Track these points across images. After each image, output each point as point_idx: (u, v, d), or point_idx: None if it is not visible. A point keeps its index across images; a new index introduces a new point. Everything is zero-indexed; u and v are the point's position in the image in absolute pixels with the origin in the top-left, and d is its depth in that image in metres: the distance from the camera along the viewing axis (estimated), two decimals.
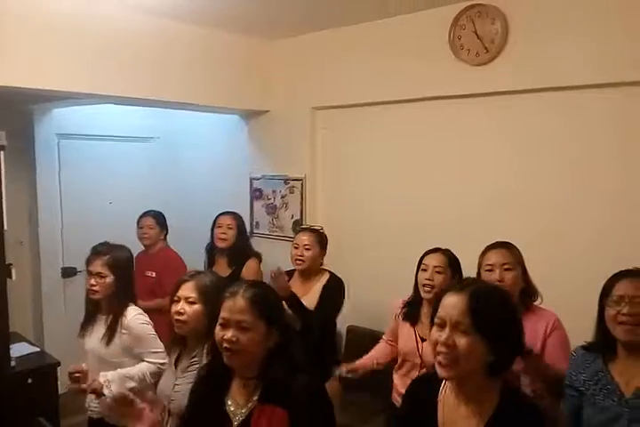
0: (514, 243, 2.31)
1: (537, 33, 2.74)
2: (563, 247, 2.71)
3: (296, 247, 3.02)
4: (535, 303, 2.23)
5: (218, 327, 1.58)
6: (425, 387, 1.51)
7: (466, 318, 1.32)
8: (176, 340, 2.10)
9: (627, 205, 2.57)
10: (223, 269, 3.44)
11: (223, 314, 1.58)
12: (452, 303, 1.36)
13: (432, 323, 1.42)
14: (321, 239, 3.05)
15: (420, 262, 2.49)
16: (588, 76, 2.60)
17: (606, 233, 2.61)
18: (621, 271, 1.82)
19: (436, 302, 1.44)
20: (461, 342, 1.32)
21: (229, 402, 1.61)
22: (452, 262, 2.45)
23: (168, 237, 3.84)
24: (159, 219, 3.75)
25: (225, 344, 1.54)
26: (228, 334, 1.54)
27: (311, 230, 3.12)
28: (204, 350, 1.95)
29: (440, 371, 1.36)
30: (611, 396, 1.73)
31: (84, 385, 2.38)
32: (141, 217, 3.77)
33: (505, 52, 2.84)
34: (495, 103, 2.96)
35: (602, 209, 2.64)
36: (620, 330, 1.73)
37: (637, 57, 2.45)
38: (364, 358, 2.64)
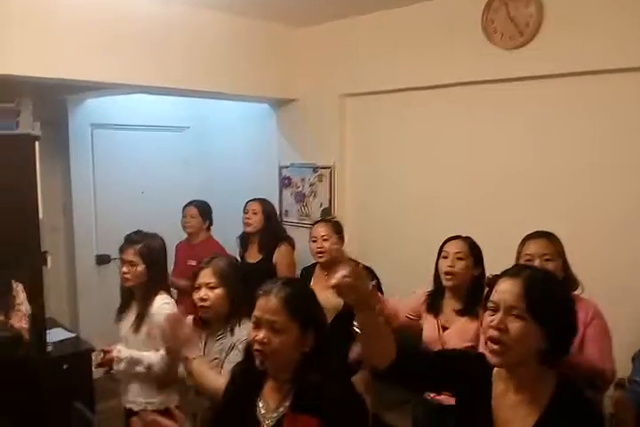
0: (550, 229, 2.26)
1: (572, 16, 2.64)
2: (588, 232, 2.65)
3: (314, 240, 3.00)
4: (576, 293, 2.15)
5: (251, 326, 1.54)
6: (477, 364, 1.44)
7: (520, 302, 1.29)
8: (198, 326, 2.14)
9: None
10: (254, 254, 3.47)
11: (256, 313, 1.52)
12: (507, 288, 1.33)
13: (485, 309, 1.38)
14: (337, 228, 3.04)
15: (441, 250, 2.48)
16: (623, 60, 2.51)
17: (631, 217, 2.54)
18: None
19: (488, 289, 1.42)
20: (514, 326, 1.29)
21: (261, 404, 1.56)
22: (473, 249, 2.44)
23: None
24: (202, 209, 3.74)
25: (257, 346, 1.49)
26: (260, 335, 1.48)
27: (325, 221, 3.13)
28: (228, 328, 2.03)
29: (490, 357, 1.33)
30: None
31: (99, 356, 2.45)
32: (185, 206, 3.77)
33: (540, 35, 2.75)
34: (528, 88, 2.88)
35: (632, 195, 2.57)
36: None
37: None
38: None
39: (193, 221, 3.71)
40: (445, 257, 2.43)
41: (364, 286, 1.36)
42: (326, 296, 2.83)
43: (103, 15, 2.98)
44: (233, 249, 3.69)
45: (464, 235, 2.54)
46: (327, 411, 1.42)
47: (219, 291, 2.06)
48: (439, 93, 3.24)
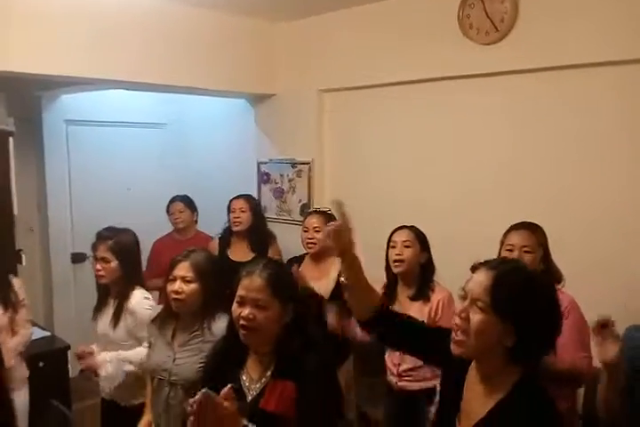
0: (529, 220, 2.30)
1: (547, 11, 2.68)
2: (569, 225, 2.67)
3: (306, 231, 3.01)
4: (557, 287, 2.17)
5: (235, 305, 1.63)
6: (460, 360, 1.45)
7: (486, 296, 1.28)
8: (169, 315, 2.15)
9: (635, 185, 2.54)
10: (243, 252, 3.40)
11: (240, 292, 1.63)
12: (479, 279, 1.33)
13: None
14: (329, 220, 3.02)
15: (389, 240, 2.58)
16: (598, 53, 2.55)
17: (612, 212, 2.58)
18: None
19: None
20: (475, 318, 1.29)
21: (244, 377, 1.66)
22: (420, 237, 2.56)
23: None
24: (187, 202, 3.75)
25: (242, 322, 1.59)
26: (245, 311, 1.59)
27: (320, 212, 3.11)
28: (204, 325, 2.05)
29: (452, 347, 1.34)
30: None
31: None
32: (170, 203, 3.76)
33: (515, 30, 2.79)
34: (505, 83, 2.91)
35: (611, 189, 2.61)
36: None
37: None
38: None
39: (183, 215, 3.70)
40: (394, 246, 2.55)
41: (347, 235, 1.50)
42: (319, 288, 2.87)
43: (79, 10, 2.94)
44: None
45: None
46: (303, 378, 1.55)
47: (194, 285, 2.06)
48: (417, 89, 3.25)
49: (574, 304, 2.13)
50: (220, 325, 2.00)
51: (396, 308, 2.50)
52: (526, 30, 2.75)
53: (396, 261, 2.52)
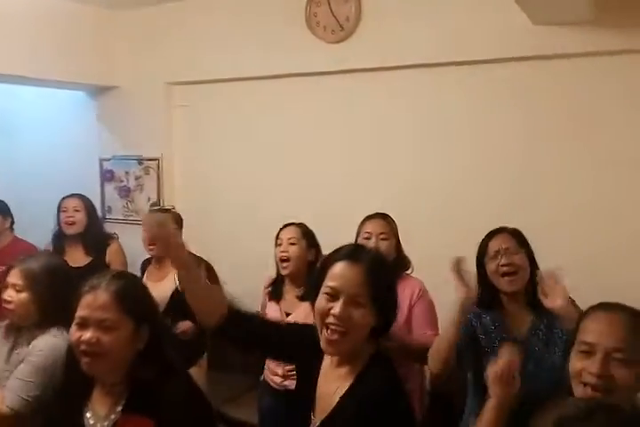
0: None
1: (389, 12, 2.85)
2: (415, 216, 2.83)
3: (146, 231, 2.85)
4: (407, 272, 2.31)
5: (74, 328, 1.36)
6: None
7: (363, 290, 1.28)
8: (11, 328, 1.92)
9: (473, 178, 2.79)
10: (79, 257, 3.13)
11: (81, 312, 1.35)
12: (349, 274, 1.30)
13: (318, 291, 1.34)
14: (174, 219, 2.90)
15: (277, 238, 2.52)
16: (436, 54, 2.76)
17: (457, 204, 2.81)
18: (490, 232, 2.00)
19: (321, 270, 1.37)
20: (356, 314, 1.27)
21: (88, 415, 1.40)
22: (306, 234, 2.50)
23: None
24: None
25: (83, 347, 1.33)
26: (87, 334, 1.32)
27: (161, 211, 2.96)
28: (27, 338, 1.83)
29: (327, 347, 1.30)
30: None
31: None
32: None
33: (359, 30, 2.93)
34: (350, 80, 3.02)
35: (451, 182, 2.83)
36: (504, 282, 1.90)
37: (475, 37, 2.65)
38: None
39: None
40: (280, 244, 2.48)
41: (167, 234, 1.32)
42: (159, 290, 2.70)
43: None
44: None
45: (297, 222, 2.58)
46: (165, 411, 1.32)
47: (23, 295, 1.85)
48: (268, 84, 3.27)
49: (424, 288, 2.28)
50: (44, 340, 1.78)
51: (284, 307, 2.46)
52: (369, 30, 2.90)
53: (282, 259, 2.43)
